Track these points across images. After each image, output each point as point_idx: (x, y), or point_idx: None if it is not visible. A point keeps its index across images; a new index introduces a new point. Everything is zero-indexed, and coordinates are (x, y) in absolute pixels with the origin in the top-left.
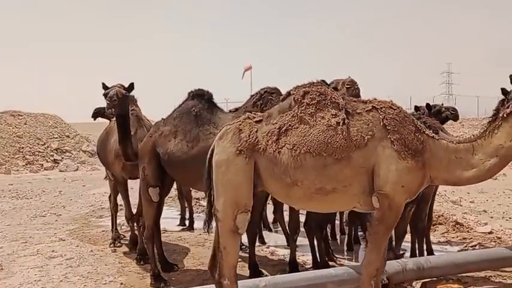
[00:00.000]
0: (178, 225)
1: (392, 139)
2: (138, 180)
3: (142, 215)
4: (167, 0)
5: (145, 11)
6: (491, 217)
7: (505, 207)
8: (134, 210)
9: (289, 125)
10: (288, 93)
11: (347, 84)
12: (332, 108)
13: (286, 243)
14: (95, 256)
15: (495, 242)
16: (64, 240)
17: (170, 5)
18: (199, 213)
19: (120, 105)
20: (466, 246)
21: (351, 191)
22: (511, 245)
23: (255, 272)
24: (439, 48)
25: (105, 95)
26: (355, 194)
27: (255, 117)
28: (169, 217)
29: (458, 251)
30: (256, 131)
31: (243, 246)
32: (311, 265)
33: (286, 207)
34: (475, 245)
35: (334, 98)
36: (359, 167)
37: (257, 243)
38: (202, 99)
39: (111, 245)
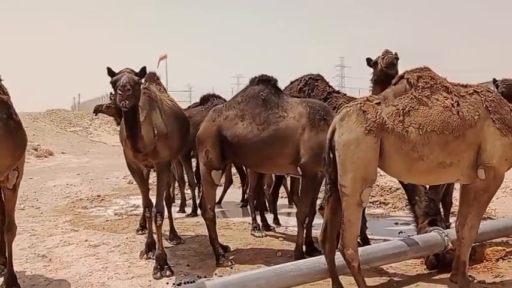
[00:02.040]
0: (178, 212)
1: (494, 118)
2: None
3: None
4: None
5: None
6: None
7: None
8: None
9: (411, 107)
10: (400, 77)
11: (382, 55)
12: (443, 92)
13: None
14: (136, 243)
15: None
16: (77, 230)
17: None
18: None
19: (134, 95)
20: None
21: (462, 165)
22: None
23: (313, 249)
24: (334, 43)
25: (114, 83)
26: (463, 168)
27: (373, 100)
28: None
29: None
30: (381, 112)
31: (272, 227)
32: None
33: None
34: None
35: (442, 82)
36: (471, 143)
37: (272, 225)
38: (268, 84)
39: None
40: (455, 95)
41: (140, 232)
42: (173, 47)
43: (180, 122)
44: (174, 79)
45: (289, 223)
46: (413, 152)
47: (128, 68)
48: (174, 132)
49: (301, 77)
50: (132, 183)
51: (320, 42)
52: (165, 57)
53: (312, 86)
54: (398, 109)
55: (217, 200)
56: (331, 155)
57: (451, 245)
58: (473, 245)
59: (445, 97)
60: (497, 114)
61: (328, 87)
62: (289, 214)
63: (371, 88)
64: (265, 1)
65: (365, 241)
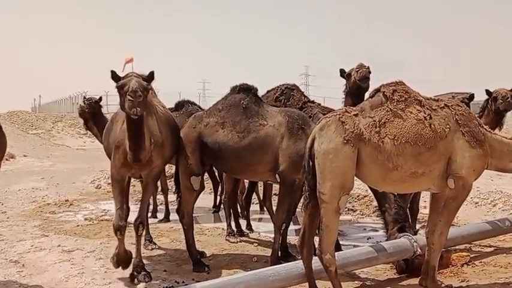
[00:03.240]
0: (151, 217)
1: (463, 131)
2: None
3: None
4: None
5: None
6: None
7: None
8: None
9: (386, 119)
10: (376, 90)
11: (357, 68)
12: (416, 105)
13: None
14: (111, 248)
15: None
16: (48, 235)
17: None
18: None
19: (143, 102)
20: None
21: (433, 175)
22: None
23: (288, 254)
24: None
25: (121, 88)
26: (434, 177)
27: (351, 111)
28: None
29: None
30: (359, 123)
31: (246, 233)
32: None
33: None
34: None
35: (416, 95)
36: (441, 154)
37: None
38: (249, 93)
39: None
40: (427, 109)
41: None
42: (138, 50)
43: (172, 129)
44: None
45: (262, 229)
46: (388, 162)
47: (133, 72)
48: (168, 140)
49: (277, 87)
50: (100, 188)
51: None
52: (131, 60)
53: (288, 95)
54: (375, 121)
55: None
56: (311, 163)
57: (419, 250)
58: None
59: (418, 110)
60: (466, 127)
61: (303, 97)
62: (260, 220)
63: (343, 99)
64: (232, 7)
65: (336, 247)
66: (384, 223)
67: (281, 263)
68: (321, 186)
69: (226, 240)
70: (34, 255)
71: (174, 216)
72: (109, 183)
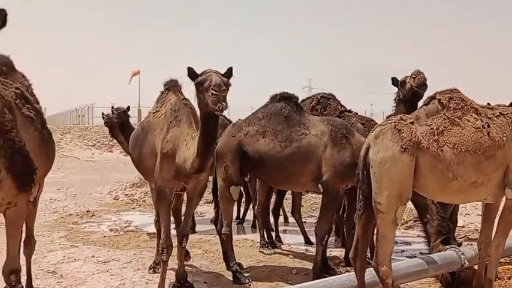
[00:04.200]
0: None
1: None
2: None
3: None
4: None
5: None
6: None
7: None
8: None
9: (444, 127)
10: (431, 98)
11: (413, 75)
12: (473, 113)
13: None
14: (146, 259)
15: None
16: (77, 246)
17: None
18: None
19: (226, 98)
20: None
21: (491, 184)
22: None
23: (327, 267)
24: (302, 65)
25: (200, 84)
26: (492, 187)
27: (407, 119)
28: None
29: None
30: (416, 131)
31: (277, 245)
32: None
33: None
34: None
35: (471, 103)
36: (499, 163)
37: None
38: (290, 101)
39: None
40: (484, 117)
41: (152, 271)
42: (141, 62)
43: None
44: (145, 95)
45: (290, 240)
46: (448, 171)
47: (210, 69)
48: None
49: (313, 96)
50: (118, 198)
51: (288, 64)
52: (138, 73)
53: (324, 104)
54: (432, 129)
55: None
56: (365, 172)
57: (467, 263)
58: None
59: (475, 118)
60: None
61: (340, 106)
62: (285, 232)
63: (394, 107)
64: (239, 19)
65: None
66: (425, 235)
67: (324, 276)
68: (377, 195)
69: (260, 251)
70: (69, 266)
71: (199, 227)
72: (126, 194)
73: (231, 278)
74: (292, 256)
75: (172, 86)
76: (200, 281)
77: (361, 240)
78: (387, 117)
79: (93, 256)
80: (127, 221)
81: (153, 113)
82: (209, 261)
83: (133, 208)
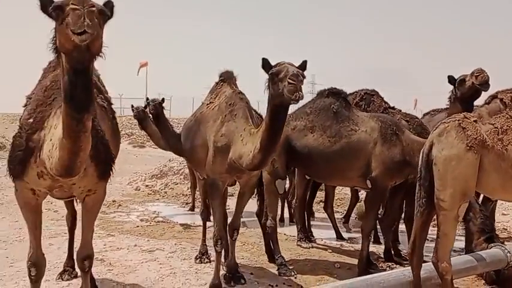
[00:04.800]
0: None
1: None
2: None
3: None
4: None
5: None
6: None
7: None
8: None
9: (507, 126)
10: (493, 97)
11: (476, 73)
12: None
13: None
14: (187, 249)
15: None
16: (114, 235)
17: None
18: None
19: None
20: None
21: None
22: None
23: (370, 262)
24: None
25: (276, 75)
26: None
27: (470, 117)
28: (181, 213)
29: None
30: (480, 130)
31: (313, 239)
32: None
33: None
34: None
35: None
36: None
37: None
38: (339, 97)
39: None
40: None
41: (199, 261)
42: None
43: None
44: (152, 87)
45: (322, 235)
46: (511, 169)
47: (284, 61)
48: None
49: (356, 92)
50: (139, 189)
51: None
52: (146, 64)
53: (368, 100)
54: (496, 127)
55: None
56: (427, 170)
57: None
58: None
59: None
60: None
61: (384, 103)
62: (313, 226)
63: (447, 105)
64: (251, 15)
65: (399, 255)
66: (466, 233)
67: (369, 271)
68: (440, 193)
69: (298, 245)
70: (115, 254)
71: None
72: (147, 185)
73: (274, 271)
74: (330, 250)
75: (227, 78)
76: (247, 272)
77: (419, 236)
78: (448, 115)
79: (135, 245)
80: (154, 211)
81: (207, 104)
82: (249, 253)
83: (158, 199)
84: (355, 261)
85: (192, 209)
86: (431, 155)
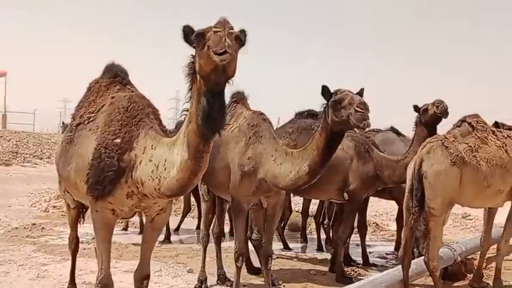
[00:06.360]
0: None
1: None
2: None
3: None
4: None
5: None
6: None
7: None
8: None
9: (477, 145)
10: (462, 121)
11: (437, 103)
12: (492, 134)
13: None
14: (179, 267)
15: None
16: (88, 258)
17: None
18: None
19: None
20: None
21: (506, 191)
22: None
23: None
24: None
25: (338, 102)
26: (506, 194)
27: (449, 138)
28: (115, 233)
29: None
30: (459, 148)
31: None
32: None
33: None
34: None
35: (489, 126)
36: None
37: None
38: (316, 118)
39: None
40: (500, 138)
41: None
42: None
43: None
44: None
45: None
46: (484, 181)
47: (344, 89)
48: None
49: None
50: (48, 211)
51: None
52: (5, 74)
53: None
54: (470, 146)
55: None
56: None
57: (459, 258)
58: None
59: (495, 138)
60: None
61: None
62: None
63: (414, 128)
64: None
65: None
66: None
67: (345, 275)
68: (431, 202)
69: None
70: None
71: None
72: (55, 206)
73: (259, 281)
74: (296, 260)
75: (240, 99)
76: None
77: (409, 241)
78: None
79: (115, 267)
80: (86, 233)
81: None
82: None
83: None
84: (322, 268)
85: (126, 228)
86: (421, 170)
